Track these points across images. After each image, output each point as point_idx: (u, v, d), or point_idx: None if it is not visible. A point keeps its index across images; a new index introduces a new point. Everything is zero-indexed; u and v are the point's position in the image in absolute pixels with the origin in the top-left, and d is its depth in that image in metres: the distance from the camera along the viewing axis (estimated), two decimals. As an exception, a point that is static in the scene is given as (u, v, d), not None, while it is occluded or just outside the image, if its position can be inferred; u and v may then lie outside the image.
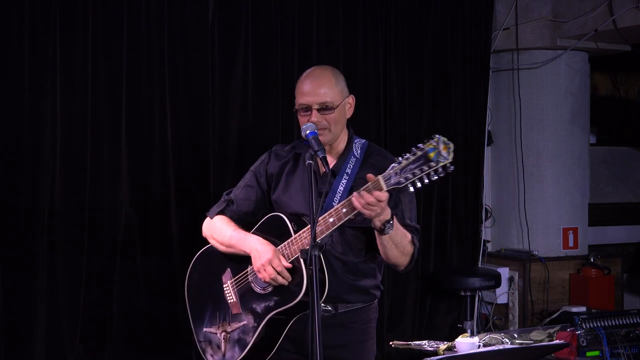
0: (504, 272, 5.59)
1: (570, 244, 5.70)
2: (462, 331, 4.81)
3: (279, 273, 2.62)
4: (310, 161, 2.50)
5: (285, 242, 2.66)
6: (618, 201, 6.64)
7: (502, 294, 5.63)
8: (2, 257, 4.14)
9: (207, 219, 2.90)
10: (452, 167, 2.40)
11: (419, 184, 2.42)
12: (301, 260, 2.55)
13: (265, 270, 2.63)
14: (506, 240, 5.84)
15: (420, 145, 2.43)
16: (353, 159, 2.77)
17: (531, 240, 5.62)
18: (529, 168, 5.69)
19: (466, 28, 5.57)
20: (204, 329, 2.87)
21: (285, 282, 2.63)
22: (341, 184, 2.71)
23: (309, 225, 2.53)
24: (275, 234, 2.70)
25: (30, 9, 4.17)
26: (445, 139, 2.42)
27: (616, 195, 6.66)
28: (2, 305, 4.13)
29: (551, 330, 3.48)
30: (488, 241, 5.87)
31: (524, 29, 5.59)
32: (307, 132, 2.62)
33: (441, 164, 2.38)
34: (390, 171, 2.44)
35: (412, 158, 2.42)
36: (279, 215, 2.73)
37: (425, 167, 2.39)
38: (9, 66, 4.16)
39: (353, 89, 5.08)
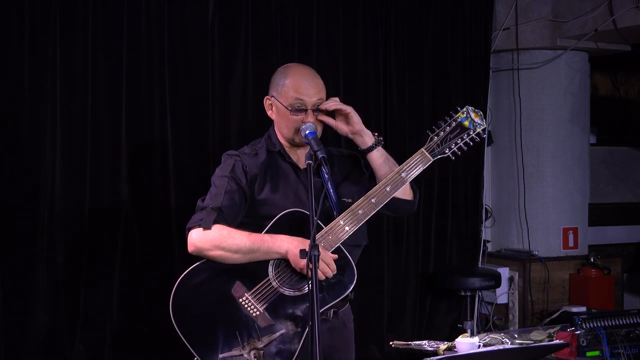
0: (504, 272, 5.58)
1: (571, 244, 5.70)
2: (462, 331, 4.81)
3: (328, 266, 2.54)
4: (310, 161, 2.47)
5: (319, 235, 2.58)
6: (618, 201, 6.64)
7: (502, 294, 5.62)
8: (2, 258, 4.13)
9: (198, 230, 2.60)
10: (485, 134, 2.72)
11: (459, 153, 2.70)
12: (342, 249, 2.60)
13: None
14: (506, 240, 5.84)
15: (450, 117, 2.69)
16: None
17: (531, 240, 5.62)
18: (529, 168, 5.69)
19: (466, 28, 5.57)
20: (221, 355, 2.59)
21: (331, 275, 2.54)
22: (328, 181, 2.70)
23: (340, 216, 2.61)
24: (297, 231, 2.59)
25: (30, 9, 4.16)
26: (473, 107, 2.73)
27: (616, 195, 6.66)
28: (2, 305, 4.12)
29: (551, 331, 3.48)
30: (488, 241, 5.86)
31: (524, 29, 5.58)
32: (307, 132, 2.61)
33: (478, 130, 2.70)
34: (432, 143, 2.68)
35: (449, 129, 2.68)
36: (297, 210, 2.63)
37: (464, 136, 2.69)
38: (9, 66, 4.15)
39: (353, 89, 5.20)
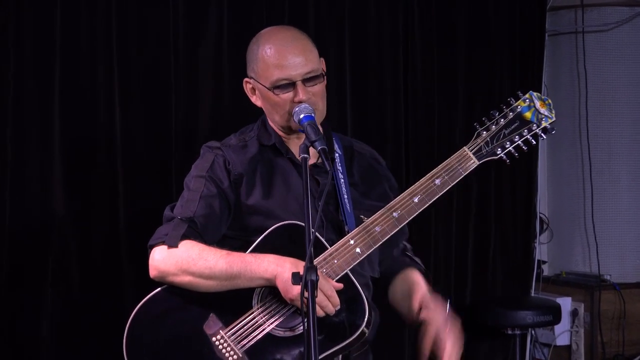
0: (565, 303, 5.61)
1: (654, 265, 5.70)
2: (510, 383, 4.81)
3: (328, 299, 2.51)
4: (306, 155, 2.45)
5: (321, 257, 2.57)
6: None
7: (562, 333, 5.64)
8: None
9: (162, 249, 2.63)
10: (553, 130, 2.69)
11: (516, 154, 2.66)
12: (351, 276, 2.58)
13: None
14: (568, 261, 5.85)
15: (507, 106, 2.67)
16: (336, 155, 2.80)
17: (601, 261, 5.62)
18: (598, 165, 5.69)
19: (514, -23, 5.60)
20: None
21: (332, 311, 2.51)
22: (341, 183, 2.70)
23: (351, 233, 2.61)
24: (295, 252, 2.56)
25: None
26: (539, 94, 2.70)
27: None
28: None
29: (629, 382, 3.47)
30: (544, 262, 5.88)
31: (591, -22, 5.60)
32: (301, 116, 2.59)
33: (544, 124, 2.67)
34: (479, 140, 2.65)
35: (504, 122, 2.65)
36: (294, 224, 2.61)
37: (524, 131, 2.66)
38: None
39: (362, 64, 5.19)
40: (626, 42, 5.67)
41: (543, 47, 5.74)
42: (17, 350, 4.32)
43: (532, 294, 5.72)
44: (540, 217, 5.82)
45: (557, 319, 5.36)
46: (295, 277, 2.30)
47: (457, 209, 5.40)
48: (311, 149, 2.57)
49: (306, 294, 2.37)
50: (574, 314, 5.63)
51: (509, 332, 5.30)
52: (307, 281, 2.23)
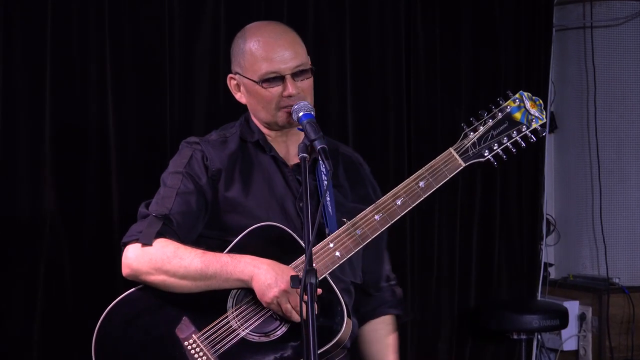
0: (573, 307, 5.61)
1: (665, 268, 5.70)
2: (515, 389, 4.81)
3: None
4: (305, 154, 2.45)
5: (299, 260, 2.57)
6: None
7: (569, 338, 5.64)
8: None
9: (135, 247, 2.62)
10: (545, 132, 2.66)
11: (504, 157, 2.66)
12: (329, 279, 2.58)
13: (284, 301, 2.49)
14: (575, 264, 5.85)
15: (496, 105, 2.67)
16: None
17: (610, 264, 5.62)
18: (607, 164, 5.69)
19: (520, -30, 5.60)
20: None
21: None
22: (325, 185, 2.69)
23: (331, 236, 2.61)
24: (272, 253, 2.58)
25: None
26: (530, 94, 2.69)
27: None
28: None
29: (638, 388, 3.47)
30: (550, 265, 5.87)
31: (599, -29, 5.60)
32: (300, 114, 2.58)
33: (535, 126, 2.65)
34: (465, 141, 2.64)
35: (492, 123, 2.64)
36: (273, 226, 2.62)
37: (513, 133, 2.65)
38: None
39: (363, 59, 5.19)
40: (636, 37, 5.67)
41: (550, 42, 5.73)
42: (7, 350, 4.32)
43: (539, 298, 5.71)
44: (546, 219, 5.81)
45: (564, 323, 5.36)
46: (294, 281, 2.30)
47: (461, 210, 5.39)
48: (291, 148, 2.65)
49: (297, 299, 2.41)
50: (582, 318, 5.63)
51: (515, 336, 5.30)
52: (307, 284, 2.22)
